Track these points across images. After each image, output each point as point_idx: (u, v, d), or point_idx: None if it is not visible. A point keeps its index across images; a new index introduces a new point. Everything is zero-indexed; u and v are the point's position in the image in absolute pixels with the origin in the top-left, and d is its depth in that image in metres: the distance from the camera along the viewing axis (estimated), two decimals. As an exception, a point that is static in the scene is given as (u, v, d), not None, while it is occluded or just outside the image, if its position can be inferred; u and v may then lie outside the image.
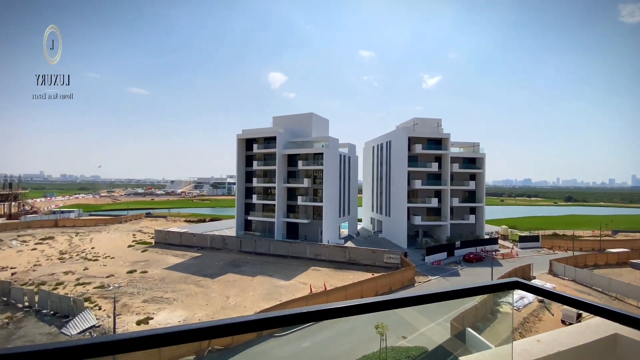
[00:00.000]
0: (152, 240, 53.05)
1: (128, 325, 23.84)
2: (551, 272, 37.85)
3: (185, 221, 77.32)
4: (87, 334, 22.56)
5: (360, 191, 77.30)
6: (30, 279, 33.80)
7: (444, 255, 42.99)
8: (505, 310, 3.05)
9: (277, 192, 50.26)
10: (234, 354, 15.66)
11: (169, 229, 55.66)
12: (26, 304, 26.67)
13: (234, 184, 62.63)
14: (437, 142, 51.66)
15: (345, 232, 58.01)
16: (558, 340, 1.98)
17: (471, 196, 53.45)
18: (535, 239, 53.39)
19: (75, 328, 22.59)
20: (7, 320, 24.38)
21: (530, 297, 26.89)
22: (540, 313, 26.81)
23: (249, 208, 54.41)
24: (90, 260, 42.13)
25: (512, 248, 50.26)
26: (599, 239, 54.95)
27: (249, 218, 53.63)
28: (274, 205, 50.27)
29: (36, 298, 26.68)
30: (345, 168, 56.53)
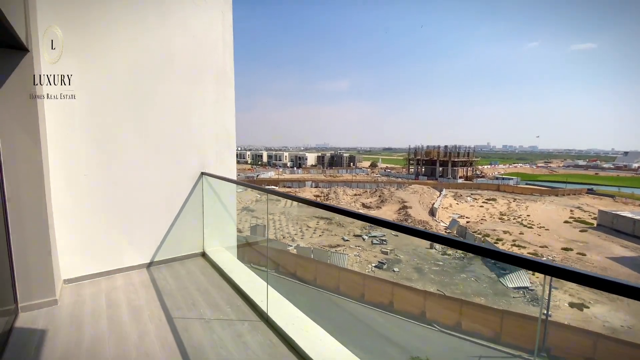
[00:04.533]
0: (594, 222, 46.07)
1: (560, 302, 23.61)
2: None
3: (646, 206, 57.91)
4: (520, 292, 25.34)
5: None
6: (478, 229, 43.16)
7: None
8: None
9: None
10: None
11: (617, 212, 45.07)
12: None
13: None
14: None
15: None
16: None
17: None
18: None
19: (511, 282, 26.12)
20: (463, 254, 33.45)
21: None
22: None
23: None
24: (525, 226, 45.31)
25: None
26: None
27: None
28: None
29: (483, 246, 33.92)
30: None
